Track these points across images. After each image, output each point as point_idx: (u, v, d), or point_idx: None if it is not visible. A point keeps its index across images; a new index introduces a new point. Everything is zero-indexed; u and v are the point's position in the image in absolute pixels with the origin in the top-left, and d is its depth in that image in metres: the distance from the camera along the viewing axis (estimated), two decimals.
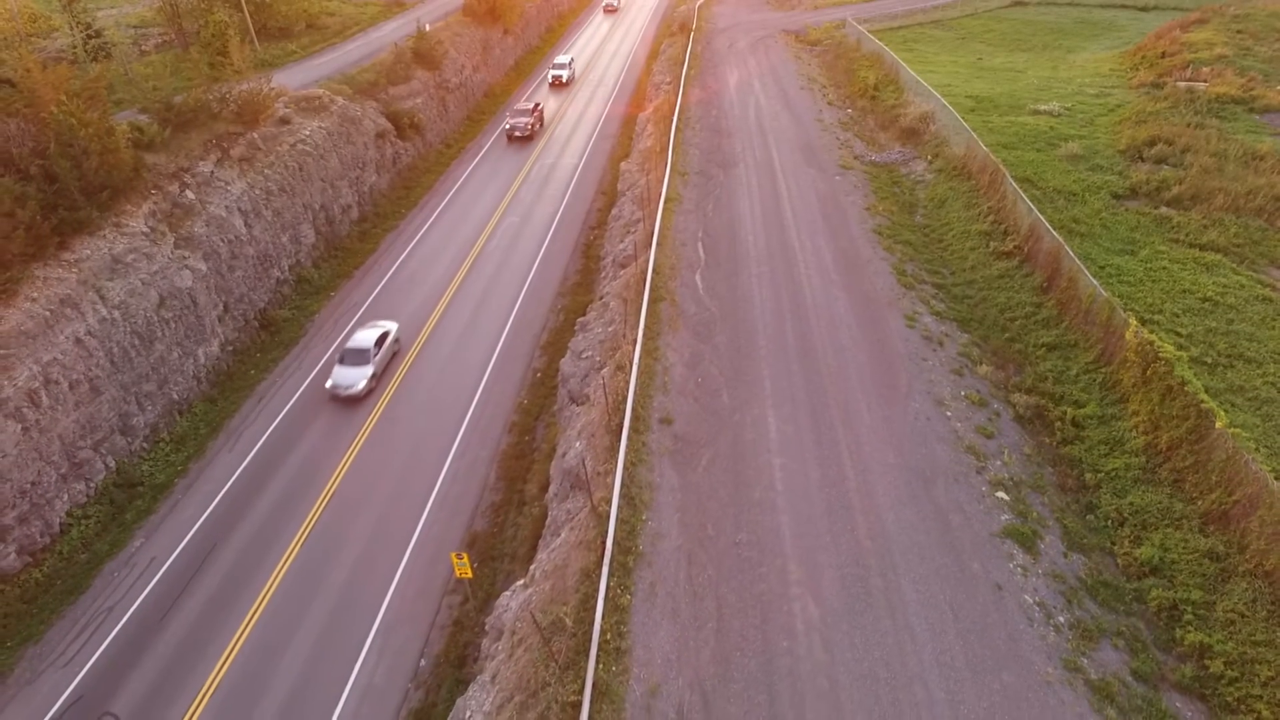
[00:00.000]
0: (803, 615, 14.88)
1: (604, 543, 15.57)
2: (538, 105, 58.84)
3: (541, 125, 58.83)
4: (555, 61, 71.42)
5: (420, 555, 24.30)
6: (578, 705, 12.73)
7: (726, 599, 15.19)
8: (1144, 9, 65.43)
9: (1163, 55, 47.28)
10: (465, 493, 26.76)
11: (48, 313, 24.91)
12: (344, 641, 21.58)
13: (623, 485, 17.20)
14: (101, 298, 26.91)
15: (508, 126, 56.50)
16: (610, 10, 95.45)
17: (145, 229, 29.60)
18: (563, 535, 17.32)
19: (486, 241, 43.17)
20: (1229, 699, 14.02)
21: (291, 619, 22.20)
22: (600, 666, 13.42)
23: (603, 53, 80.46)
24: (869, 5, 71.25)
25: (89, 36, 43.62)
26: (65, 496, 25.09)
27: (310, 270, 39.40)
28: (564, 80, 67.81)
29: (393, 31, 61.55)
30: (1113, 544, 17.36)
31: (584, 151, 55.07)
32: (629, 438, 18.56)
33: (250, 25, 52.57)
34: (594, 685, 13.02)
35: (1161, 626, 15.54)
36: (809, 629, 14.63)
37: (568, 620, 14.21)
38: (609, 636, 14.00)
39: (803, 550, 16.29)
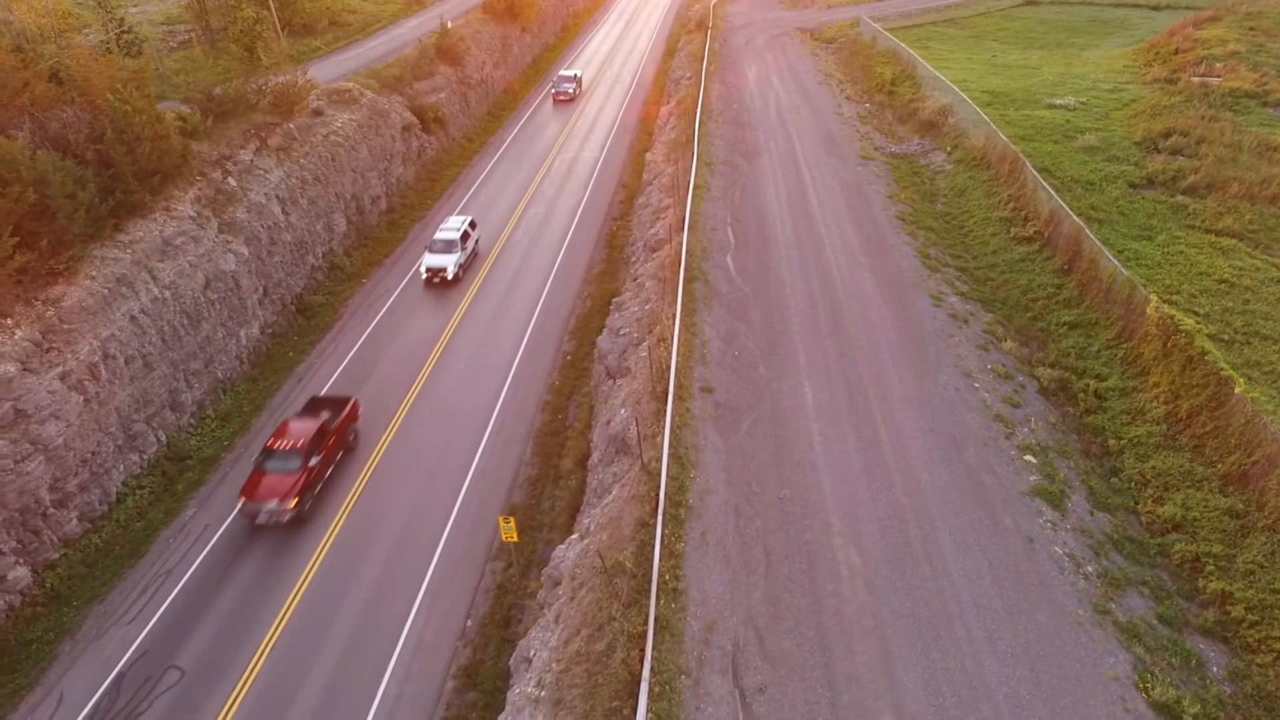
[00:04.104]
0: (846, 562, 15.81)
1: (656, 496, 16.52)
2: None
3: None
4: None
5: (462, 524, 25.24)
6: (643, 636, 13.67)
7: (774, 548, 16.12)
8: (1155, 8, 66.17)
9: (1176, 51, 48.10)
10: (502, 467, 27.71)
11: (105, 291, 25.95)
12: (394, 603, 22.52)
13: (670, 446, 18.13)
14: (153, 278, 27.96)
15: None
16: (563, 99, 66.20)
17: (192, 213, 30.68)
18: (614, 493, 18.28)
19: (512, 232, 44.20)
20: (1250, 640, 14.88)
21: (342, 582, 23.15)
22: (660, 604, 14.35)
23: (618, 50, 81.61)
24: (881, 4, 72.15)
25: (121, 32, 44.72)
26: (121, 467, 26.12)
27: (342, 258, 40.48)
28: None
29: (413, 29, 62.70)
30: (1136, 504, 18.25)
31: (604, 145, 56.18)
32: (673, 405, 19.49)
33: (276, 21, 53.73)
34: (655, 620, 13.95)
35: (1184, 577, 16.41)
36: (853, 574, 15.56)
37: (628, 563, 15.16)
38: (666, 578, 14.94)
39: (843, 505, 17.21)
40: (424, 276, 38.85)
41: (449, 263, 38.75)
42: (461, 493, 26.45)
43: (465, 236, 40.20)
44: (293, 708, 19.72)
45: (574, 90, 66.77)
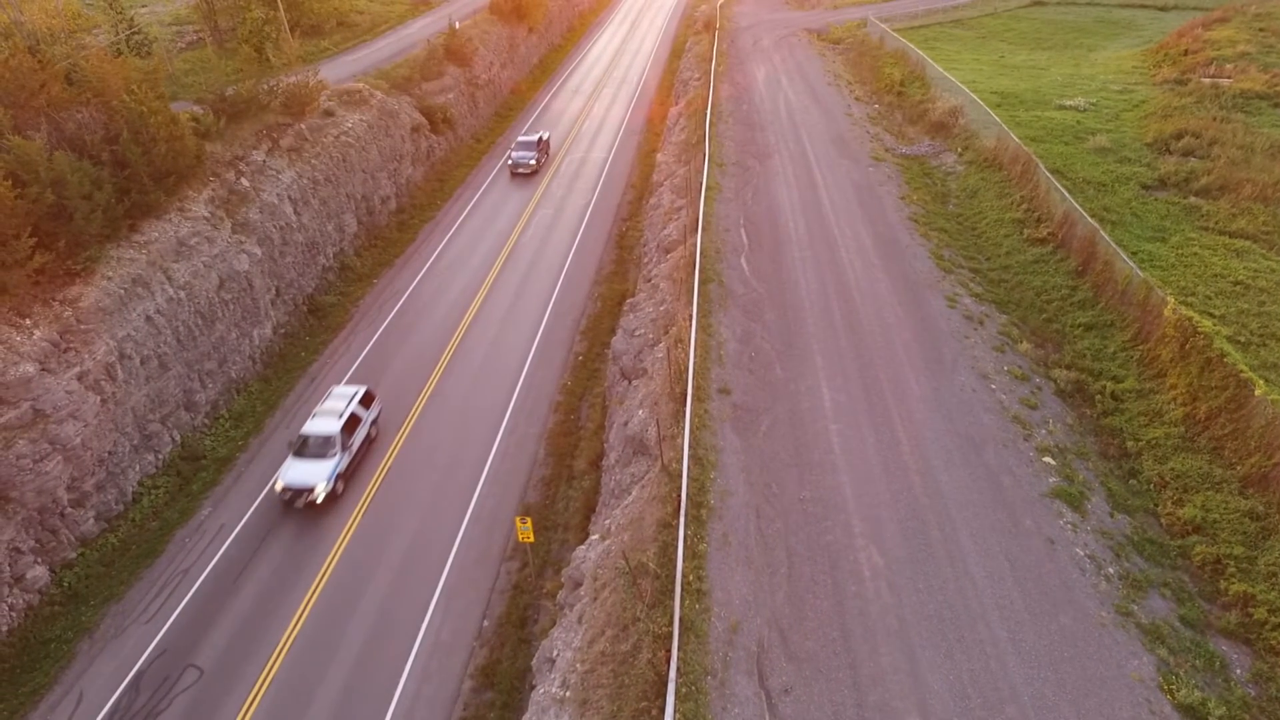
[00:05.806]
0: (869, 563, 15.84)
1: (678, 496, 16.56)
2: None
3: None
4: None
5: (477, 525, 25.30)
6: (668, 637, 13.70)
7: (795, 549, 16.15)
8: (1163, 9, 66.09)
9: (1185, 53, 48.03)
10: (516, 468, 27.76)
11: (122, 291, 26.04)
12: (410, 604, 22.57)
13: (689, 447, 18.15)
14: (168, 278, 28.04)
15: None
16: (524, 172, 50.77)
17: (206, 214, 30.76)
18: (633, 493, 18.31)
19: (521, 233, 44.24)
20: (1273, 643, 14.86)
21: (358, 582, 23.21)
22: (684, 604, 14.39)
23: (624, 51, 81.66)
24: (888, 5, 72.12)
25: (131, 33, 44.82)
26: (137, 467, 26.21)
27: (353, 259, 40.56)
28: None
29: (421, 29, 62.72)
30: (1156, 505, 18.25)
31: (611, 146, 56.24)
32: (691, 406, 19.52)
33: (285, 22, 53.83)
34: (680, 620, 13.98)
35: (1206, 579, 16.41)
36: (875, 575, 15.59)
37: (651, 564, 15.20)
38: (690, 579, 14.97)
39: (864, 506, 17.25)
40: (283, 497, 25.31)
41: (321, 477, 24.97)
42: (475, 493, 26.50)
43: (353, 423, 26.54)
44: (311, 706, 19.78)
45: (537, 160, 50.75)
